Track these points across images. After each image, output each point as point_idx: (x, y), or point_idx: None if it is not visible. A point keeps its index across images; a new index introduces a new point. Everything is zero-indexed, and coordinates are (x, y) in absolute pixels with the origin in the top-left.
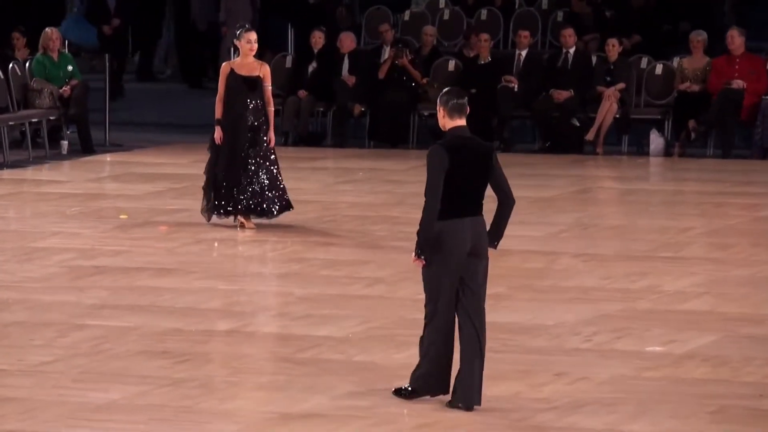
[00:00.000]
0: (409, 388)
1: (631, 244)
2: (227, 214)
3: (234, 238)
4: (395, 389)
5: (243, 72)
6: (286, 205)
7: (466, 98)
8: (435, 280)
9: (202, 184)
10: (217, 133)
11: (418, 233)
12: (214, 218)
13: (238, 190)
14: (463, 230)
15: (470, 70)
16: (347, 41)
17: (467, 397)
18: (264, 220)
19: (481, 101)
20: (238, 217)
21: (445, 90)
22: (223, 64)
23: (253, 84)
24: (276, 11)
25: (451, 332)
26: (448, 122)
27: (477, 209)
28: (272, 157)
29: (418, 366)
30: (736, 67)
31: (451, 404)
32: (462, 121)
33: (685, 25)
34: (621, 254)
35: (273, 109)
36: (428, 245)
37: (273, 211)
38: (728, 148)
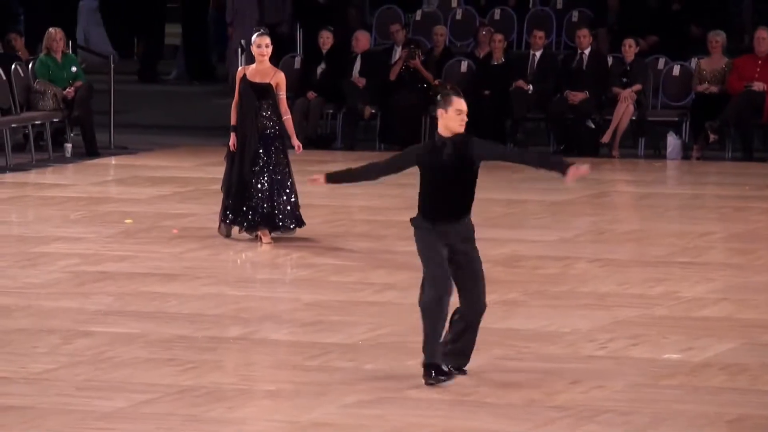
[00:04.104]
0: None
1: (647, 249)
2: (239, 226)
3: (241, 243)
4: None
5: (255, 78)
6: (299, 222)
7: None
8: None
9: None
10: (231, 140)
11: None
12: (234, 231)
13: (250, 202)
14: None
15: (483, 71)
16: (363, 40)
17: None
18: (276, 233)
19: (494, 103)
20: (258, 230)
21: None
22: (240, 68)
23: (263, 91)
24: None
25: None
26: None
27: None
28: (286, 170)
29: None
30: (758, 69)
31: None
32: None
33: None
34: (637, 259)
35: (289, 117)
36: None
37: (286, 225)
38: (748, 151)
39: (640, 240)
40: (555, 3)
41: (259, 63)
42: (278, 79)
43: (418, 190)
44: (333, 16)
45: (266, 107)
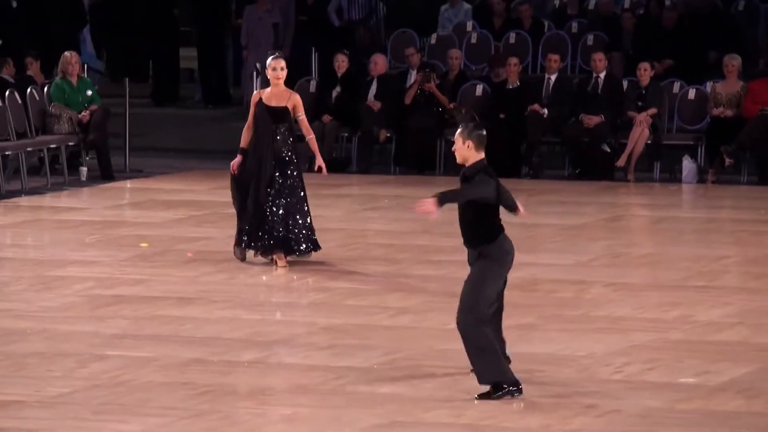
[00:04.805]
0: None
1: (663, 273)
2: (255, 249)
3: (257, 267)
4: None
5: (271, 102)
6: (314, 246)
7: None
8: (494, 288)
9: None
10: (236, 161)
11: (450, 193)
12: (249, 255)
13: (265, 226)
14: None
15: (499, 95)
16: (381, 64)
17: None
18: (292, 257)
19: (509, 126)
20: (273, 253)
21: (467, 124)
22: (255, 92)
23: (279, 115)
24: (300, 35)
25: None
26: (473, 155)
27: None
28: (301, 193)
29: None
30: None
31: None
32: (483, 153)
33: (713, 53)
34: (653, 283)
35: (313, 136)
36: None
37: (302, 249)
38: (764, 174)
39: (655, 264)
40: (570, 26)
41: (275, 86)
42: (295, 101)
43: (435, 215)
44: (349, 40)
45: (282, 131)
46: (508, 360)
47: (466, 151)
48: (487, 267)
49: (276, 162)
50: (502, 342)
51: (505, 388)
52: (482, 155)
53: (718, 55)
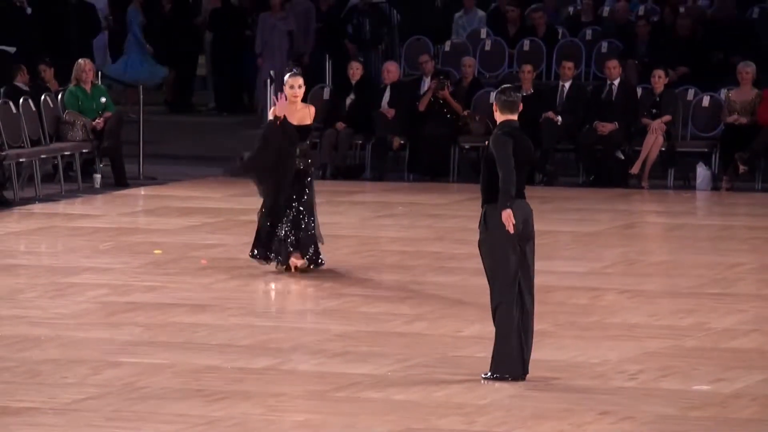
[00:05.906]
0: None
1: (677, 280)
2: (276, 261)
3: (270, 274)
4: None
5: (295, 121)
6: (316, 259)
7: (519, 96)
8: (502, 257)
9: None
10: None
11: (503, 194)
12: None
13: (280, 238)
14: (520, 211)
15: None
16: (393, 71)
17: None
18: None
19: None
20: (290, 258)
21: (501, 87)
22: (278, 109)
23: (305, 133)
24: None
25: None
26: (499, 116)
27: (523, 194)
28: (313, 207)
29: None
30: None
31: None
32: (513, 116)
33: (735, 59)
34: (667, 291)
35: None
36: (512, 204)
37: (309, 252)
38: None
39: (669, 271)
40: (584, 34)
41: (292, 104)
42: (313, 113)
43: (449, 222)
44: (360, 46)
45: (303, 148)
46: (524, 367)
47: (494, 112)
48: (488, 241)
49: (294, 177)
50: (529, 341)
51: (507, 377)
52: (509, 117)
53: (733, 62)
